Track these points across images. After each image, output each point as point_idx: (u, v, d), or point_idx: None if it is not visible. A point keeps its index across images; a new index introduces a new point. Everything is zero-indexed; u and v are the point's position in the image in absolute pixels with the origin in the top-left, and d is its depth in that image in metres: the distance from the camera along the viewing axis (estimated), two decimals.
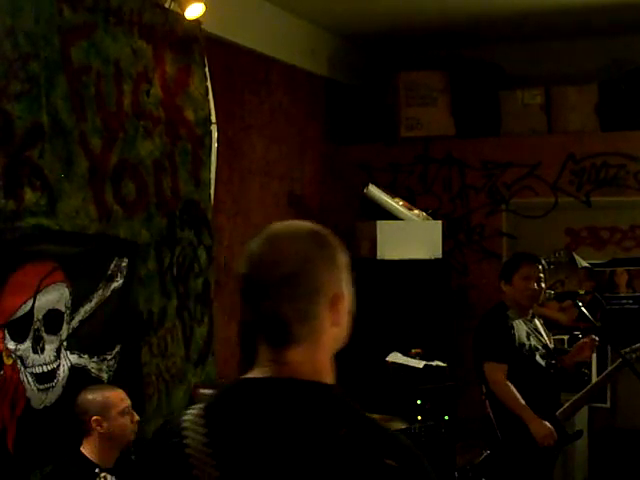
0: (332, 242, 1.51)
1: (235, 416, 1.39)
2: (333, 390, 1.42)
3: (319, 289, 1.43)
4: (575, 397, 4.55)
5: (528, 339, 4.37)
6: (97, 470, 3.35)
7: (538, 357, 4.36)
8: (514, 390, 4.21)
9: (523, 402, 4.20)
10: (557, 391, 4.51)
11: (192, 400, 4.30)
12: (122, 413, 3.36)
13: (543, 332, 4.50)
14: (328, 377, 1.45)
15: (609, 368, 4.73)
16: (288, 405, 1.37)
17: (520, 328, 4.37)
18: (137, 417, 3.43)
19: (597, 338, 4.48)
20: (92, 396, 3.37)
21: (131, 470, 3.56)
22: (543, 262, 4.52)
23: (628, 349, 4.50)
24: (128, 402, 3.42)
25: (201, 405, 1.45)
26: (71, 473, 3.30)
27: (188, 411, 1.45)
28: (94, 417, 3.31)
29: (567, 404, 4.50)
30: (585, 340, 4.52)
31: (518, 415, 4.19)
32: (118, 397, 3.40)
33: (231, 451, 1.36)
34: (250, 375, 1.44)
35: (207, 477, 1.35)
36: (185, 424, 1.42)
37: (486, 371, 4.30)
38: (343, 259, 1.50)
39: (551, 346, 4.48)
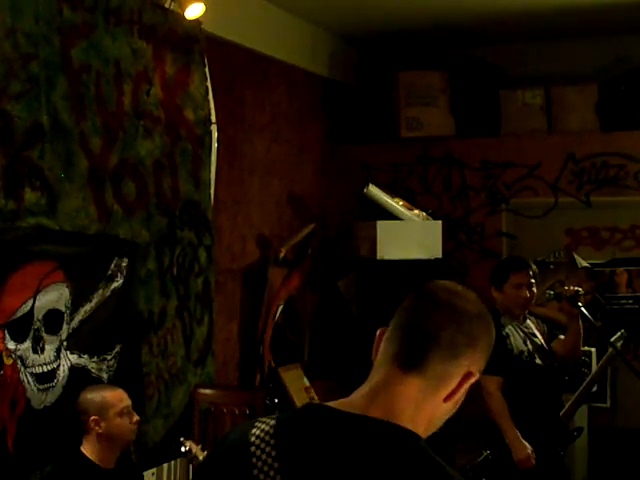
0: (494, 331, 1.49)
1: (309, 449, 1.33)
2: (417, 438, 1.36)
3: (470, 352, 1.41)
4: (575, 395, 4.57)
5: (525, 344, 4.36)
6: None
7: (538, 360, 4.36)
8: (505, 406, 4.21)
9: (510, 420, 4.20)
10: (559, 391, 4.52)
11: (192, 400, 4.31)
12: (120, 413, 3.35)
13: (537, 332, 4.50)
14: (417, 429, 1.39)
15: (601, 360, 4.76)
16: (368, 450, 1.31)
17: (516, 335, 4.36)
18: (137, 417, 3.43)
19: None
20: (91, 396, 3.38)
21: (132, 471, 3.56)
22: (533, 266, 4.50)
23: (614, 337, 4.53)
24: (127, 402, 3.41)
25: (269, 424, 1.38)
26: (71, 473, 3.30)
27: (255, 424, 1.39)
28: (92, 417, 3.31)
29: (569, 403, 4.51)
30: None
31: (502, 431, 4.20)
32: (117, 397, 3.40)
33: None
34: (343, 403, 1.39)
35: None
36: (252, 438, 1.36)
37: (481, 383, 4.30)
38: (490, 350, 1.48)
39: (545, 346, 4.48)
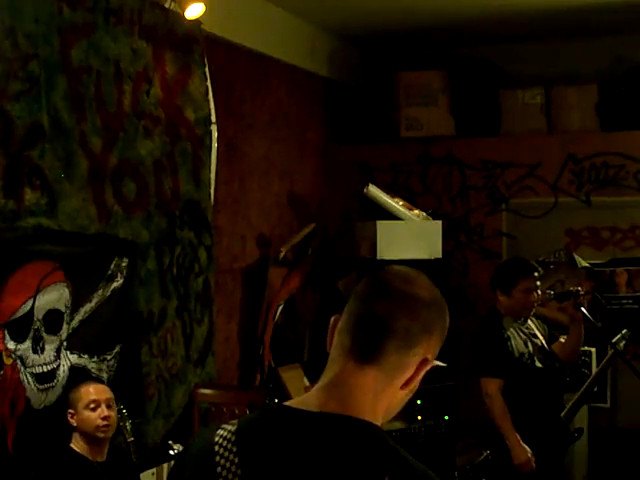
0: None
1: (271, 450, 1.34)
2: (378, 430, 1.37)
3: (425, 340, 1.40)
4: (575, 396, 4.56)
5: (526, 346, 4.35)
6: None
7: (537, 362, 4.36)
8: (505, 409, 4.19)
9: (510, 423, 4.18)
10: (560, 392, 4.51)
11: (192, 400, 4.31)
12: (86, 407, 3.38)
13: (538, 332, 4.49)
14: (376, 419, 1.40)
15: (602, 361, 4.75)
16: (330, 445, 1.32)
17: (517, 337, 4.34)
18: (107, 413, 3.39)
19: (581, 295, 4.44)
20: (71, 390, 3.46)
21: (125, 464, 3.56)
22: (539, 269, 4.48)
23: (616, 338, 4.53)
24: (95, 397, 3.40)
25: (231, 428, 1.39)
26: (61, 467, 3.33)
27: (217, 431, 1.39)
28: (69, 410, 3.40)
29: (569, 405, 4.51)
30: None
31: (503, 434, 4.19)
32: (86, 391, 3.42)
33: None
34: (301, 401, 1.40)
35: None
36: (215, 447, 1.37)
37: (482, 385, 4.28)
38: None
39: (546, 347, 4.47)
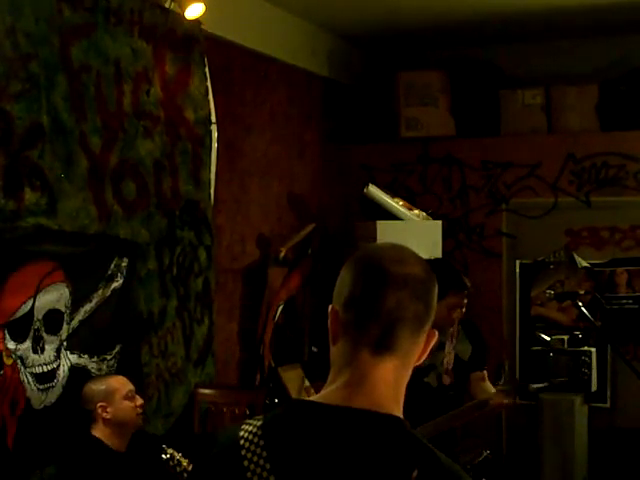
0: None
1: (300, 444, 1.33)
2: (405, 424, 1.37)
3: (430, 316, 1.41)
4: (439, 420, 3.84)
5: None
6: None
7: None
8: None
9: None
10: (448, 409, 3.92)
11: (192, 400, 4.31)
12: (125, 397, 3.41)
13: None
14: (399, 410, 1.40)
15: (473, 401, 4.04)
16: (360, 440, 1.32)
17: None
18: (141, 401, 3.47)
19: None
20: (95, 385, 3.45)
21: (144, 456, 3.56)
22: (469, 286, 4.11)
23: (537, 386, 4.08)
24: (131, 386, 3.47)
25: (256, 423, 1.38)
26: (84, 455, 3.34)
27: (242, 427, 1.38)
28: (99, 404, 3.36)
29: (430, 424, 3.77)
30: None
31: None
32: (120, 382, 3.46)
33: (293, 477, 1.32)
34: (324, 397, 1.40)
35: None
36: (241, 441, 1.36)
37: None
38: None
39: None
